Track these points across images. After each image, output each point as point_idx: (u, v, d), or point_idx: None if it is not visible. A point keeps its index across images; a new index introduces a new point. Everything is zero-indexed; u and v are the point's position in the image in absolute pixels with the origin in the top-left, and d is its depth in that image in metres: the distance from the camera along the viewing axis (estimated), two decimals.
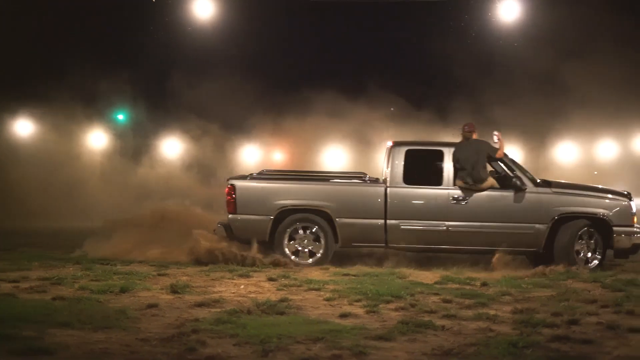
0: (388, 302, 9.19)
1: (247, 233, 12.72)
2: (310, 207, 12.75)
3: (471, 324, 8.08)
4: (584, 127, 20.98)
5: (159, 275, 11.19)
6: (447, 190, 12.81)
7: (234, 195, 12.75)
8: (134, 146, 23.52)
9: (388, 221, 12.69)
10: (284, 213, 12.73)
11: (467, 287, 10.63)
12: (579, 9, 19.97)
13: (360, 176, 13.49)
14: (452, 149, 13.04)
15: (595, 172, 23.04)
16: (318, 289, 10.09)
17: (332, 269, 12.04)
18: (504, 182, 12.87)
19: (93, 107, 23.30)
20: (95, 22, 22.68)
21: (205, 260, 12.43)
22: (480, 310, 8.82)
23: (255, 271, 11.71)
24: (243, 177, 13.28)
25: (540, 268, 12.07)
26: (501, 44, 22.34)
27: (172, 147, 24.19)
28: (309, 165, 22.88)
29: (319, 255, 12.67)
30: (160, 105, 23.51)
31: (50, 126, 22.76)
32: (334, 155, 24.18)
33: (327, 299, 9.40)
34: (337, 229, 12.68)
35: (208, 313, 8.37)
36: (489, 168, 13.16)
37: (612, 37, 20.02)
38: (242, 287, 10.30)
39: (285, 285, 10.37)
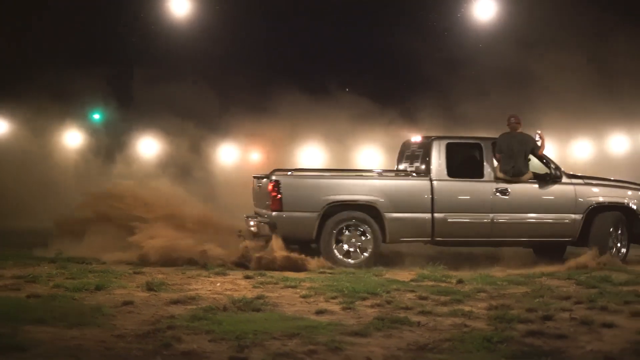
0: (364, 299, 9.22)
1: (292, 231, 12.26)
2: (359, 202, 12.42)
3: (446, 320, 8.12)
4: (559, 124, 21.08)
5: (135, 273, 11.16)
6: (490, 182, 12.89)
7: (279, 192, 12.20)
8: (110, 145, 23.34)
9: (435, 215, 12.61)
10: (332, 209, 12.31)
11: (443, 284, 10.69)
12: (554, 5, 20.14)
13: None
14: (489, 142, 13.20)
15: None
16: (294, 287, 10.11)
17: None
18: (541, 174, 13.17)
19: (68, 106, 23.11)
20: (71, 20, 22.51)
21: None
22: (456, 306, 8.86)
23: (231, 269, 11.69)
24: (284, 173, 12.78)
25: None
26: (474, 41, 22.42)
27: (148, 146, 24.06)
28: (290, 164, 22.91)
29: (367, 254, 12.33)
30: (136, 104, 23.38)
31: (23, 126, 22.56)
32: (311, 154, 24.13)
33: (304, 296, 9.42)
34: (385, 225, 12.39)
35: (184, 310, 8.36)
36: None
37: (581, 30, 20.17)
38: (218, 284, 10.30)
39: (261, 283, 10.38)
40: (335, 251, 12.24)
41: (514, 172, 12.92)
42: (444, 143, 13.02)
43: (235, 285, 10.22)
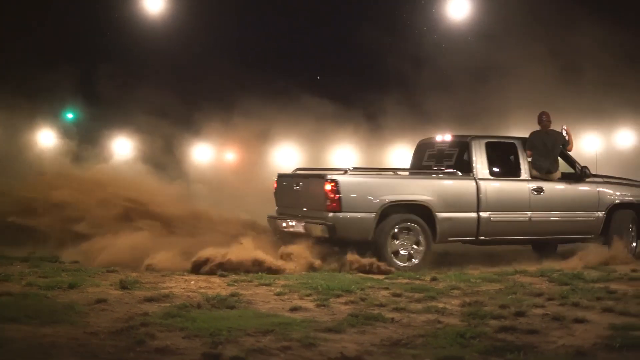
0: (338, 296, 9.24)
1: (350, 232, 11.88)
2: (413, 202, 12.20)
3: (420, 316, 8.16)
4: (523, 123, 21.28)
5: (108, 271, 11.08)
6: (527, 181, 13.08)
7: (338, 192, 11.78)
8: (84, 144, 23.20)
9: (480, 214, 12.63)
10: (388, 210, 11.99)
11: (417, 281, 10.74)
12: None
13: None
14: (523, 142, 13.40)
15: None
16: (269, 284, 10.11)
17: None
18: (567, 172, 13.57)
19: (41, 106, 22.95)
20: (44, 18, 22.39)
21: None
22: (430, 303, 8.90)
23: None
24: (340, 172, 12.26)
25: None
26: (450, 39, 22.56)
27: (122, 146, 23.96)
28: (267, 163, 22.98)
29: (420, 254, 12.10)
30: (110, 103, 23.25)
31: None
32: (286, 154, 24.14)
33: (278, 294, 9.42)
34: (436, 225, 12.25)
35: (157, 307, 8.33)
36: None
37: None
38: (192, 282, 10.27)
39: (235, 281, 10.36)
40: (390, 252, 11.99)
41: (547, 169, 13.24)
42: (482, 142, 13.07)
43: (209, 283, 10.20)
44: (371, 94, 23.23)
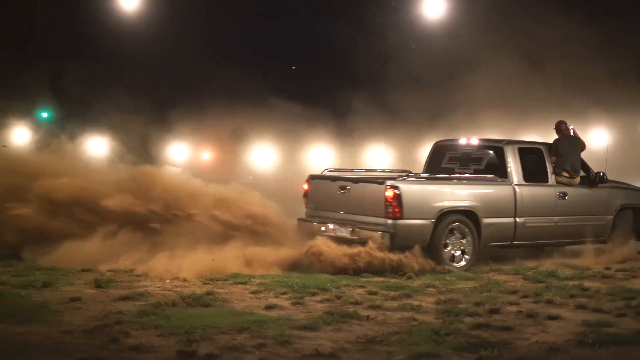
0: (314, 294, 9.25)
1: (410, 239, 11.62)
2: (465, 208, 12.10)
3: (395, 314, 8.20)
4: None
5: (83, 270, 10.97)
6: (554, 186, 13.20)
7: (399, 199, 11.47)
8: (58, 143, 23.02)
9: (517, 219, 12.65)
10: (442, 216, 11.85)
11: (392, 279, 10.74)
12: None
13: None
14: (547, 147, 13.51)
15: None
16: (244, 283, 10.08)
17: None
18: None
19: (16, 104, 22.78)
20: (18, 16, 22.22)
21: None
22: (405, 301, 8.95)
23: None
24: (401, 178, 12.00)
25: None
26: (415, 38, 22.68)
27: (96, 145, 23.80)
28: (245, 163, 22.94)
29: (467, 257, 12.03)
30: (84, 101, 23.10)
31: None
32: (262, 154, 24.10)
33: (253, 292, 9.42)
34: (482, 230, 12.17)
35: (132, 306, 8.31)
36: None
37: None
38: (167, 281, 10.22)
39: (211, 279, 10.30)
40: (444, 255, 11.88)
41: (570, 175, 13.42)
42: (516, 147, 13.11)
43: (184, 282, 10.14)
44: (343, 92, 23.20)
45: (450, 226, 11.89)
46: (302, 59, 25.52)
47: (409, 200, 11.54)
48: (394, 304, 8.76)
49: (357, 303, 8.72)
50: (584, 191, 13.58)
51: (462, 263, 11.95)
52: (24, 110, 23.44)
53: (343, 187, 12.40)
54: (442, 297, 9.18)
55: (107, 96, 21.57)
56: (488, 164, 13.36)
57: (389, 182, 11.61)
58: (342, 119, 23.09)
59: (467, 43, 21.36)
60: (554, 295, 9.31)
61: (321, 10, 23.92)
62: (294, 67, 23.73)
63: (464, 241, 12.04)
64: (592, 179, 13.68)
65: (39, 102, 24.08)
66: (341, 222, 12.18)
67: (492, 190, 12.66)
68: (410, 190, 11.72)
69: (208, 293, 9.10)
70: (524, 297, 9.28)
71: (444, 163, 13.95)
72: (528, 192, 12.84)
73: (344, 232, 11.97)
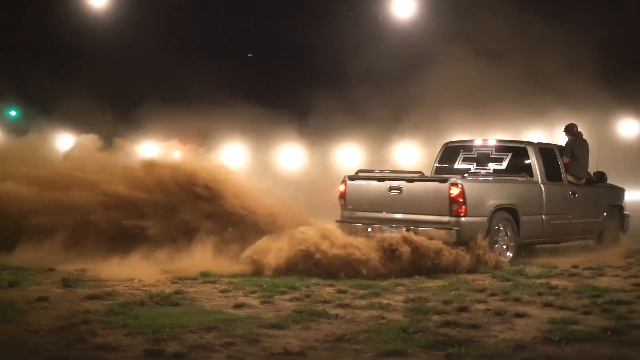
0: (283, 293, 9.25)
1: (472, 236, 11.81)
2: (511, 206, 12.48)
3: (364, 312, 8.21)
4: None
5: (50, 270, 10.91)
6: (567, 185, 13.64)
7: (464, 197, 11.75)
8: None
9: (544, 216, 13.00)
10: (494, 213, 12.21)
11: (362, 278, 10.74)
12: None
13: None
14: (559, 148, 13.93)
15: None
16: (213, 282, 10.07)
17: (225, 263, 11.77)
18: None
19: None
20: None
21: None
22: (374, 299, 8.96)
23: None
24: (462, 177, 12.13)
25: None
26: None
27: (67, 143, 23.63)
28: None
29: (509, 254, 12.39)
30: (53, 99, 22.94)
31: None
32: (233, 153, 24.06)
33: (222, 291, 9.40)
34: (520, 226, 12.55)
35: (100, 305, 8.26)
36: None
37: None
38: (135, 280, 10.16)
39: (179, 279, 10.27)
40: (497, 250, 12.19)
41: (580, 175, 13.91)
42: (537, 147, 13.50)
43: (153, 281, 10.11)
44: (305, 92, 23.23)
45: (498, 223, 12.28)
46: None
47: (471, 198, 11.87)
48: (363, 302, 8.77)
49: (326, 302, 8.72)
50: (587, 190, 14.08)
51: (507, 257, 12.32)
52: None
53: (396, 188, 12.44)
54: (411, 296, 9.20)
55: (75, 93, 21.44)
56: (510, 164, 13.60)
57: (454, 181, 11.85)
58: (306, 119, 23.13)
59: (431, 42, 21.48)
60: (522, 293, 9.37)
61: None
62: (250, 55, 23.68)
63: (506, 238, 12.44)
64: (592, 179, 14.13)
65: (6, 101, 23.89)
66: (391, 223, 12.27)
67: (527, 189, 13.06)
68: (472, 188, 12.04)
69: (176, 292, 9.08)
70: (492, 295, 9.33)
71: (457, 163, 14.10)
72: (551, 190, 13.26)
73: (395, 233, 11.86)
